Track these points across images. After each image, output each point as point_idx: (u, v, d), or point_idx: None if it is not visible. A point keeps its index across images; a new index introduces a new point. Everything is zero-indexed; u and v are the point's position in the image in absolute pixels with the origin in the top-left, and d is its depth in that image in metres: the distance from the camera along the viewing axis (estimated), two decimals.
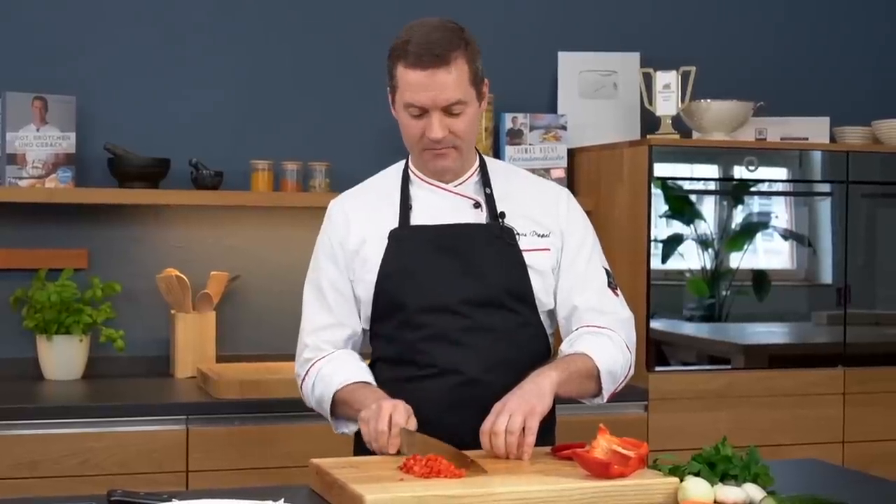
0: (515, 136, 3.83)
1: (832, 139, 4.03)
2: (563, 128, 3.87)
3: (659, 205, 3.59)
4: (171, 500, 1.86)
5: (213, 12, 3.76)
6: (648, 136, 3.68)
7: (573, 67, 4.01)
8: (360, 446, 2.34)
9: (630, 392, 3.49)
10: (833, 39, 4.35)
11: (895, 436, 3.75)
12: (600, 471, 1.92)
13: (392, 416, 2.09)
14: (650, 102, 3.83)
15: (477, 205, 2.33)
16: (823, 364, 3.74)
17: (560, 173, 3.84)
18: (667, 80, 3.79)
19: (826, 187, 3.86)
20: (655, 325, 3.56)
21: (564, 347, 2.30)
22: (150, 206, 3.65)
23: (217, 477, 3.07)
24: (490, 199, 2.33)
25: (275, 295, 3.72)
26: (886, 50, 4.41)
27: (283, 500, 1.81)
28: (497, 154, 3.82)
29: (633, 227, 3.61)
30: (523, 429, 2.05)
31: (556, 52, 4.01)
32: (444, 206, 2.32)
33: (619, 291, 2.39)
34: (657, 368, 3.55)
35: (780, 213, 3.87)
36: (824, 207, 3.87)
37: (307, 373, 2.37)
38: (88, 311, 3.46)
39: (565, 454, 2.07)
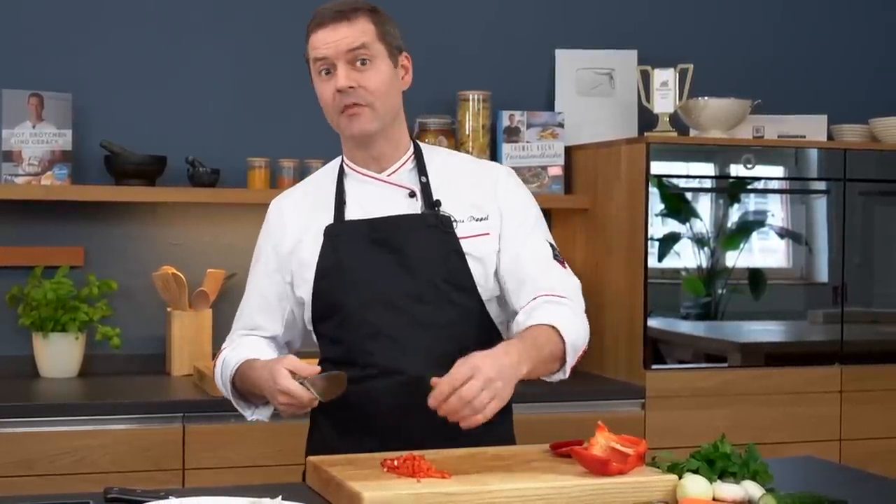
0: (512, 133, 3.82)
1: (829, 137, 4.04)
2: (561, 125, 3.86)
3: (656, 203, 3.58)
4: (167, 498, 1.85)
5: (210, 10, 3.75)
6: (646, 134, 3.67)
7: (570, 65, 4.01)
8: (310, 443, 2.34)
9: (627, 390, 3.51)
10: (831, 37, 4.35)
11: (892, 433, 3.75)
12: (599, 468, 1.92)
13: (284, 382, 2.05)
14: (647, 100, 3.83)
15: (412, 194, 2.26)
16: (820, 362, 3.74)
17: (557, 171, 3.84)
18: (664, 78, 3.78)
19: (823, 185, 3.86)
20: (652, 323, 3.56)
21: (521, 318, 2.18)
22: (147, 204, 3.64)
23: (214, 474, 3.07)
24: (426, 188, 2.26)
25: None
26: (884, 48, 4.41)
27: (280, 497, 1.80)
28: (494, 152, 3.81)
29: (630, 225, 3.60)
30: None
31: (554, 50, 4.01)
32: (378, 197, 2.26)
33: (566, 265, 2.30)
34: (654, 366, 3.55)
35: (777, 211, 3.86)
36: (821, 205, 3.87)
37: (214, 368, 2.35)
38: (84, 308, 3.45)
39: (563, 451, 2.07)
